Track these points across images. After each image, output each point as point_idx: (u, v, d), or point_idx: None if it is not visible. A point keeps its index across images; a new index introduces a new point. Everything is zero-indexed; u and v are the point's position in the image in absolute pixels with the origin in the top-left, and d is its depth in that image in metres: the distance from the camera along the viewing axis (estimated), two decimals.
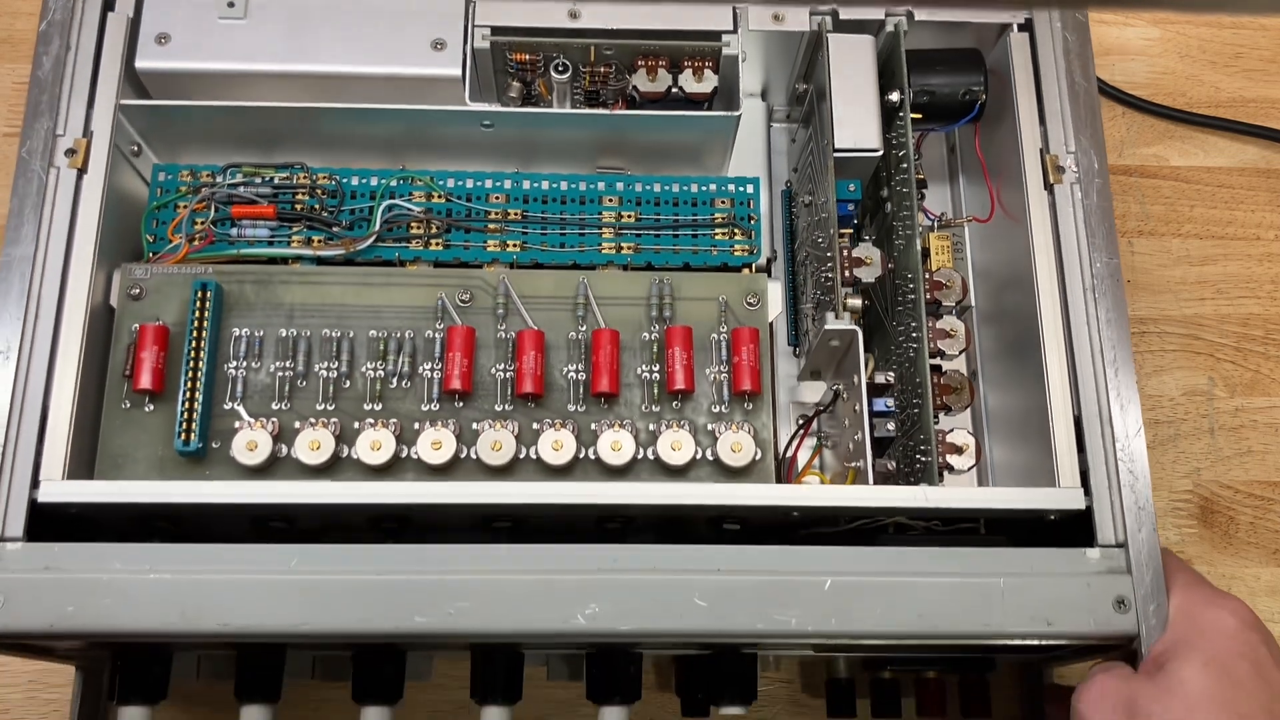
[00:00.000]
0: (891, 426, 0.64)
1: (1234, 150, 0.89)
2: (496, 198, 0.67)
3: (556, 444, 0.61)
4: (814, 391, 0.72)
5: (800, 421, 0.71)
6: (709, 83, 0.68)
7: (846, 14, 0.68)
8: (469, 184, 0.67)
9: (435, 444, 0.60)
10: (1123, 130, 0.90)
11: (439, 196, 0.67)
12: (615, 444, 0.61)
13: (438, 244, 0.66)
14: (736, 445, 0.62)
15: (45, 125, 0.62)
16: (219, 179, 0.66)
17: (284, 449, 0.61)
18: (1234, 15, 0.92)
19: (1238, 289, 0.86)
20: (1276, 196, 0.88)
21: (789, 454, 0.69)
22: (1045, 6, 0.66)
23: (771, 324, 0.66)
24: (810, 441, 0.70)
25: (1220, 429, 0.81)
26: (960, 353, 0.66)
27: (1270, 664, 0.55)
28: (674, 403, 0.63)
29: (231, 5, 0.66)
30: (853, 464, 0.63)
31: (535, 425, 0.62)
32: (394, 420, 0.62)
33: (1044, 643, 0.58)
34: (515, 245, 0.66)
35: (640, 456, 0.62)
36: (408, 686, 0.64)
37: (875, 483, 0.61)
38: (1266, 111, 0.91)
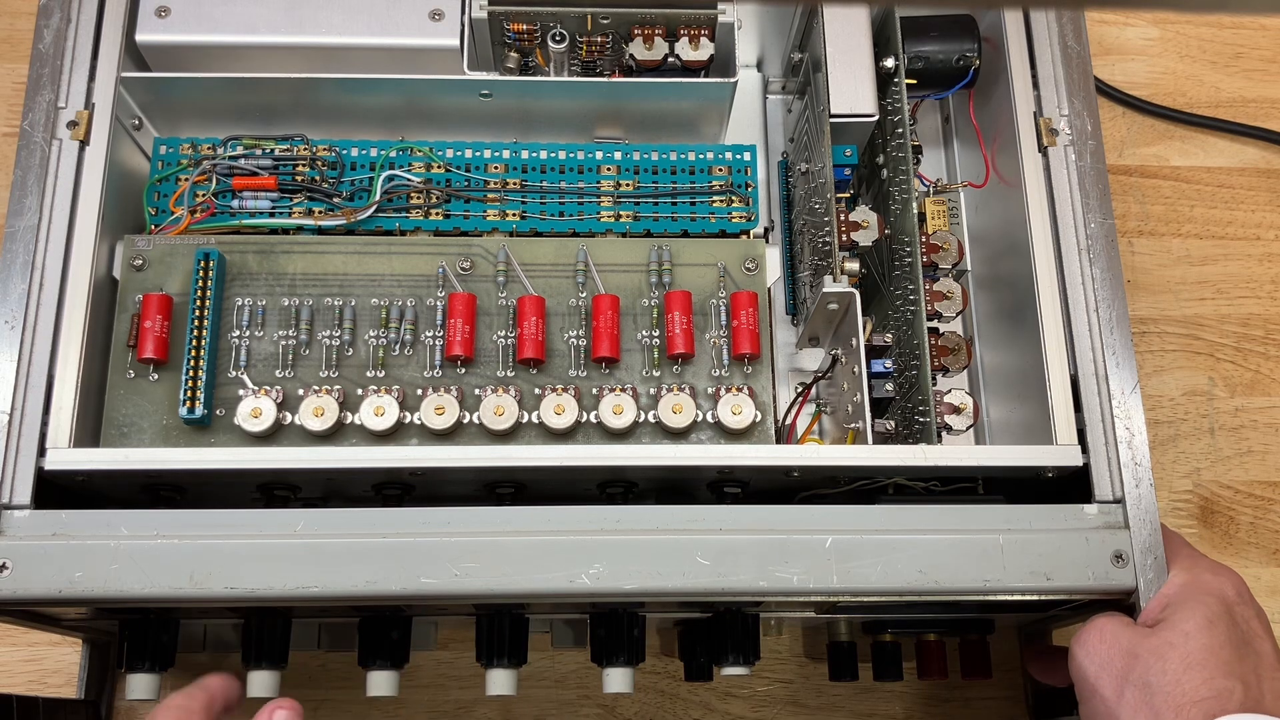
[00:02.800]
0: (890, 387, 0.65)
1: (1234, 150, 0.89)
2: (495, 168, 0.67)
3: (559, 408, 0.61)
4: (812, 360, 0.73)
5: (799, 389, 0.71)
6: (705, 50, 0.68)
7: None
8: (468, 154, 0.67)
9: (439, 409, 0.61)
10: (1123, 130, 0.90)
11: (439, 167, 0.67)
12: (617, 407, 0.62)
13: (438, 214, 0.66)
14: (736, 408, 0.62)
15: (47, 98, 0.63)
16: (220, 151, 0.67)
17: (288, 416, 0.62)
18: (1234, 15, 0.92)
19: (1238, 289, 0.85)
20: (1276, 196, 0.88)
21: (788, 421, 0.70)
22: (1045, 7, 0.67)
23: (770, 290, 0.67)
24: (809, 409, 0.71)
25: (1220, 429, 0.81)
26: (957, 314, 0.66)
27: (1260, 635, 0.56)
28: (674, 367, 0.64)
29: None
30: (852, 425, 0.63)
31: (537, 390, 0.63)
32: (397, 387, 0.62)
33: (1043, 598, 0.58)
34: (515, 214, 0.67)
35: (641, 420, 0.62)
36: (412, 656, 0.64)
37: (874, 443, 0.62)
38: (1266, 111, 0.91)
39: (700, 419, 0.63)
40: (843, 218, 0.65)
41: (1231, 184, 0.89)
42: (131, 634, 0.62)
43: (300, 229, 0.66)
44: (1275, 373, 0.84)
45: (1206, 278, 0.86)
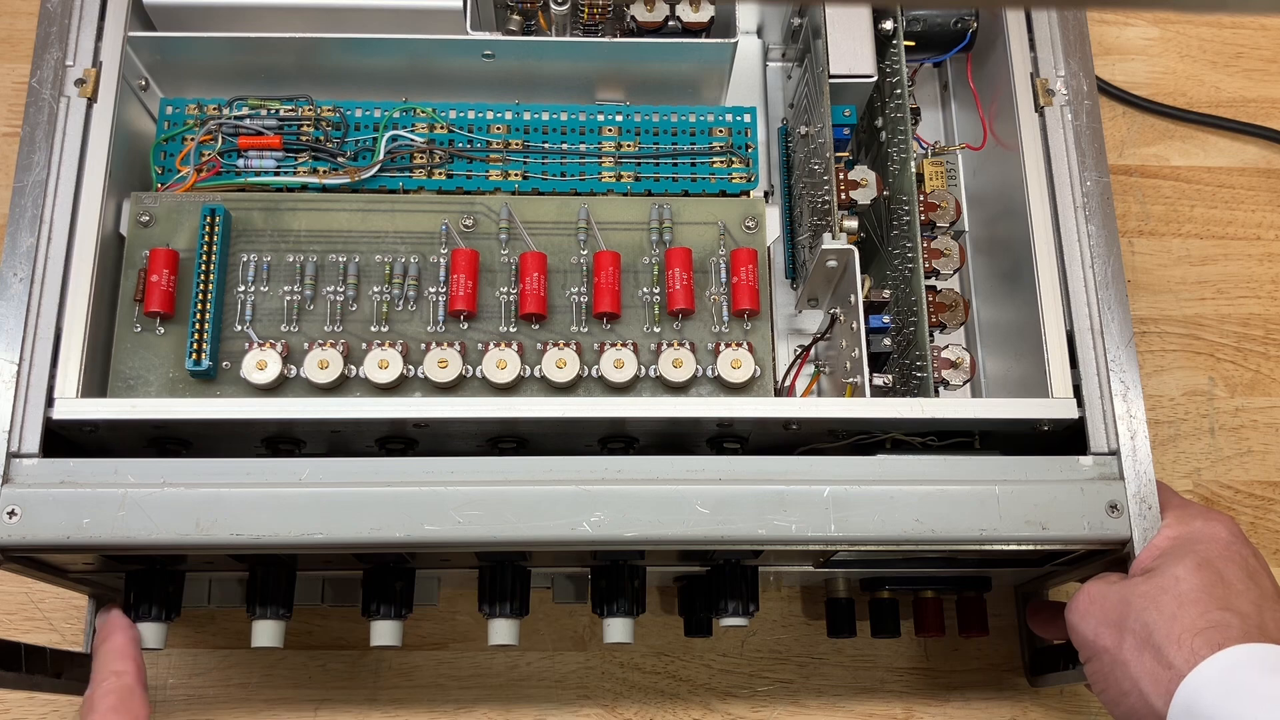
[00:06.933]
0: (887, 342, 0.65)
1: (1234, 150, 0.89)
2: (498, 129, 0.68)
3: (560, 362, 0.62)
4: (811, 323, 0.74)
5: (798, 350, 0.72)
6: (706, 12, 0.69)
7: None
8: (470, 115, 0.68)
9: (441, 362, 0.62)
10: (1123, 130, 0.90)
11: (441, 128, 0.68)
12: (618, 362, 0.62)
13: (441, 173, 0.67)
14: (736, 362, 0.63)
15: (55, 56, 0.64)
16: (225, 112, 0.67)
17: (293, 369, 0.62)
18: (1234, 15, 0.92)
19: (1238, 289, 0.86)
20: (1276, 196, 0.88)
21: (788, 382, 0.71)
22: (1045, 7, 0.67)
23: (769, 251, 0.67)
24: (808, 370, 0.71)
25: (1220, 429, 0.82)
26: (954, 272, 0.67)
27: (1259, 570, 0.56)
28: (675, 323, 0.65)
29: None
30: (850, 380, 0.64)
31: (539, 346, 0.63)
32: (400, 341, 0.63)
33: (1039, 548, 0.59)
34: (517, 174, 0.67)
35: (642, 375, 0.63)
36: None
37: (871, 396, 0.62)
38: (1267, 111, 0.91)
39: (700, 374, 0.63)
40: (841, 176, 0.66)
41: (1231, 184, 0.89)
42: (138, 584, 0.62)
43: (305, 187, 0.66)
44: (1275, 373, 0.84)
45: (1206, 278, 0.86)
